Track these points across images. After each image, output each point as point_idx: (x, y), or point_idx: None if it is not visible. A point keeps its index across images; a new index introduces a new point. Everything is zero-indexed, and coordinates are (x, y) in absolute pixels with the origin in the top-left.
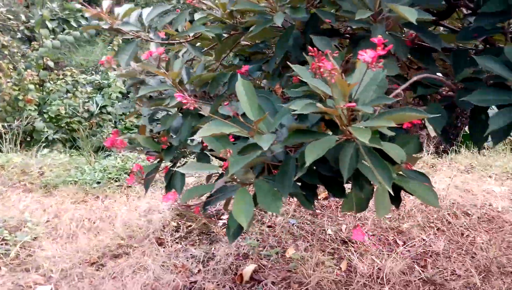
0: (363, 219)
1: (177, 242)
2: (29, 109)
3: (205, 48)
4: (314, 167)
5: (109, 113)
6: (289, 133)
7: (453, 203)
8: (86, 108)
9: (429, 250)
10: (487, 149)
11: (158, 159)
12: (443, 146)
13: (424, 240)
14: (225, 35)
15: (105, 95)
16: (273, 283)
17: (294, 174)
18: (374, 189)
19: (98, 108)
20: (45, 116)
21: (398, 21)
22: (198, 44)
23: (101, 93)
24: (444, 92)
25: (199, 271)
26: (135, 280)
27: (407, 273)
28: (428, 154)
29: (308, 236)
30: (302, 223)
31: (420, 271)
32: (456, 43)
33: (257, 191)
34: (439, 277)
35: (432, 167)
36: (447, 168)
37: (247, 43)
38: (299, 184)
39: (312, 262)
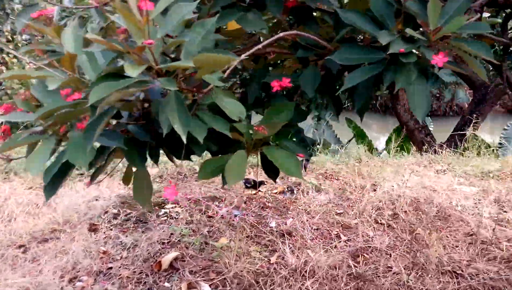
0: (312, 212)
1: (110, 229)
2: None
3: None
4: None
5: None
6: (97, 77)
7: (412, 201)
8: None
9: (370, 246)
10: (470, 150)
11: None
12: (426, 146)
13: (368, 235)
14: None
15: None
16: (191, 271)
17: (100, 123)
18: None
19: None
20: None
21: None
22: None
23: None
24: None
25: (121, 257)
26: (53, 263)
27: (336, 268)
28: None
29: (248, 228)
30: (247, 215)
31: (353, 266)
32: None
33: (68, 143)
34: (371, 273)
35: (399, 166)
36: (423, 168)
37: None
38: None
39: (236, 253)
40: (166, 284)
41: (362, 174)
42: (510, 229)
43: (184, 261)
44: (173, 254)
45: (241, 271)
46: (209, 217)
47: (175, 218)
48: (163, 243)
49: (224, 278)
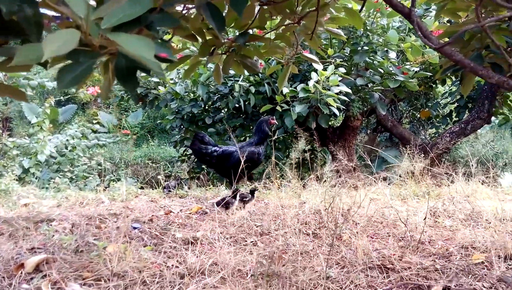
0: (229, 225)
1: None
2: None
3: None
4: None
5: None
6: None
7: (343, 213)
8: None
9: (290, 249)
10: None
11: None
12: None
13: (289, 241)
14: None
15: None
16: (60, 272)
17: None
18: None
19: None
20: None
21: None
22: None
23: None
24: None
25: None
26: None
27: (245, 266)
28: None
29: (147, 238)
30: (151, 229)
31: (267, 266)
32: None
33: None
34: (288, 272)
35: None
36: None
37: None
38: None
39: (120, 253)
40: (25, 286)
41: (290, 195)
42: (446, 231)
43: (55, 263)
44: (40, 256)
45: (125, 271)
46: (99, 228)
47: (58, 231)
48: (34, 250)
49: (101, 276)
